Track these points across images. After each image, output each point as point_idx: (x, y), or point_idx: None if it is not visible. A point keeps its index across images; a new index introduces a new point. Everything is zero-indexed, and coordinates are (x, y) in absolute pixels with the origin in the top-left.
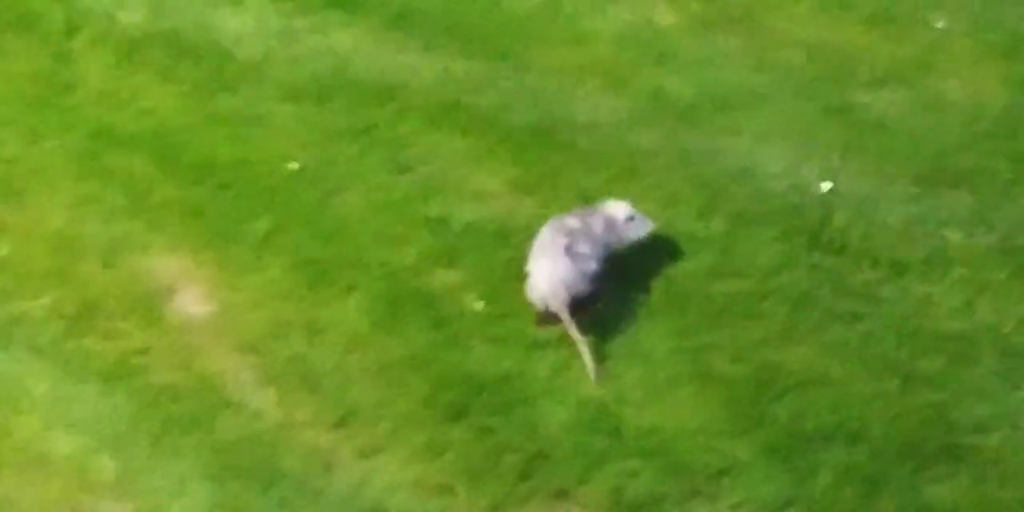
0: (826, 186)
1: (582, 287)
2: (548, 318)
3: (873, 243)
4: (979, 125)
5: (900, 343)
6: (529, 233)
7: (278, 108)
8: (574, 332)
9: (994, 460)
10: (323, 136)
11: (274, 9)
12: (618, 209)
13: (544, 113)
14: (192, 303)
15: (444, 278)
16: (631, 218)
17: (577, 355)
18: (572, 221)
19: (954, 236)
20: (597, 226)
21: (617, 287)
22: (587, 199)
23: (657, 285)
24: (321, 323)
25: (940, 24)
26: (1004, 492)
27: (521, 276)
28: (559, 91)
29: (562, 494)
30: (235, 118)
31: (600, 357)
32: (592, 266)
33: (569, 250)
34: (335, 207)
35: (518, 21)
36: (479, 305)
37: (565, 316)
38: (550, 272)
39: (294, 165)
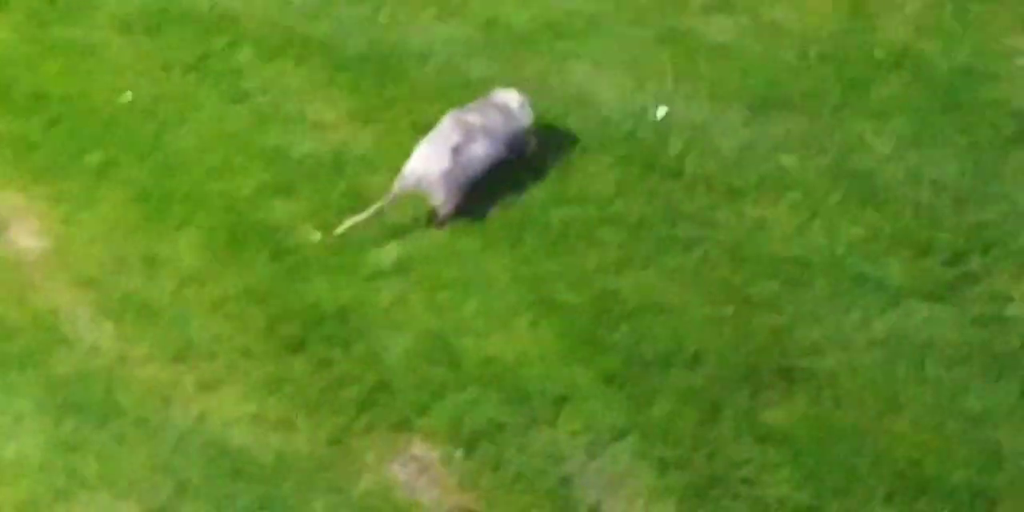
0: (661, 112)
1: (438, 188)
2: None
3: (708, 168)
4: (810, 50)
5: (735, 268)
6: (366, 163)
7: (111, 39)
8: (374, 206)
9: (828, 382)
10: (157, 68)
11: None
12: (509, 97)
13: (380, 43)
14: (25, 238)
15: (282, 209)
16: (522, 104)
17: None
18: (473, 117)
19: (787, 160)
20: (496, 118)
21: (454, 218)
22: (422, 127)
23: (494, 214)
24: (158, 257)
25: None
26: (838, 413)
27: (358, 206)
28: (394, 21)
29: (403, 425)
30: (68, 50)
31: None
32: (475, 169)
33: (457, 149)
34: (170, 139)
35: None
36: (316, 236)
37: (388, 197)
38: (419, 162)
39: (127, 97)
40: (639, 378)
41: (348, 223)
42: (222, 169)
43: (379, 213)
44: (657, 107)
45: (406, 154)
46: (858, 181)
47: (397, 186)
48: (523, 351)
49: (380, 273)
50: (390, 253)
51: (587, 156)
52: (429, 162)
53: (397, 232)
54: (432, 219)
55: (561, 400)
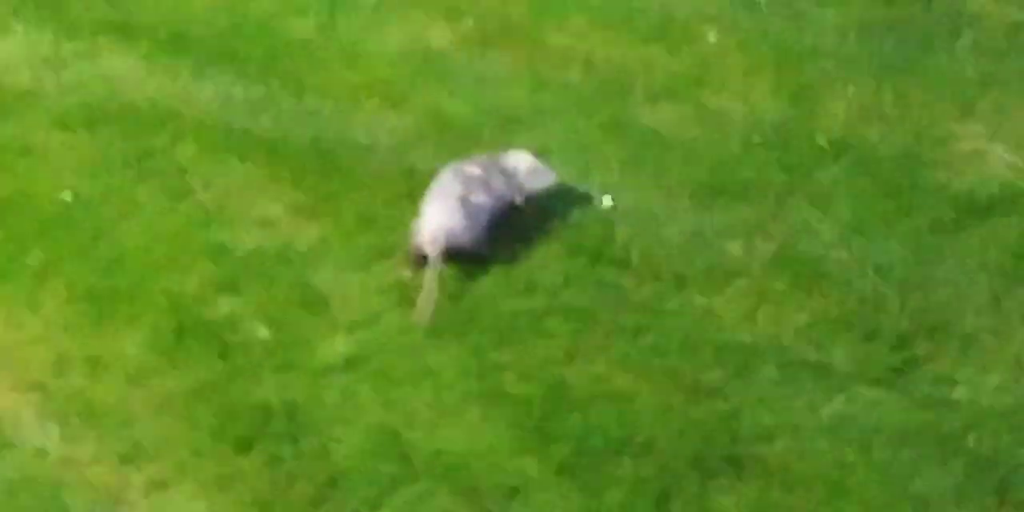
0: (608, 202)
1: (465, 238)
2: (419, 262)
3: (655, 257)
4: (753, 138)
5: (684, 356)
6: (312, 257)
7: (50, 137)
8: (431, 279)
9: (778, 468)
10: (97, 165)
11: (42, 35)
12: (519, 160)
13: (323, 136)
14: None
15: (228, 306)
16: (534, 169)
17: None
18: (473, 169)
19: (733, 248)
20: (496, 176)
21: (402, 310)
22: (368, 220)
23: (443, 304)
24: (103, 357)
25: (712, 38)
26: (788, 498)
27: (305, 301)
28: (338, 113)
29: None
30: (4, 149)
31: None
32: (483, 218)
33: (464, 199)
34: (113, 238)
35: (294, 44)
36: (264, 332)
37: (436, 263)
38: (436, 218)
39: (67, 196)
40: (590, 468)
41: (426, 307)
42: (166, 266)
43: (440, 281)
44: (604, 197)
45: (353, 247)
46: (804, 267)
47: (430, 252)
48: (474, 443)
49: (329, 368)
50: (339, 347)
51: (535, 247)
52: (443, 217)
53: (346, 326)
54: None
55: (513, 492)
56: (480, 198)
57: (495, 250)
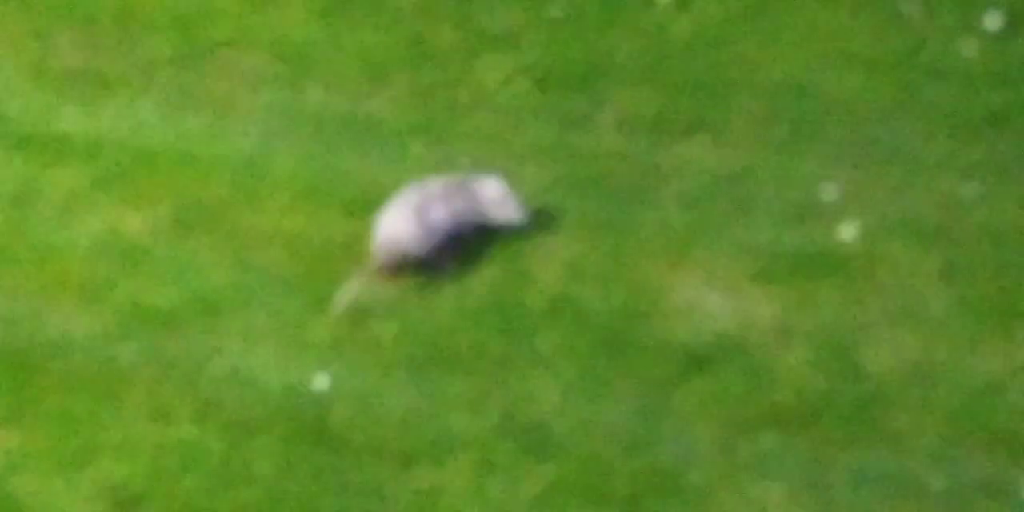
0: (323, 382)
1: (415, 246)
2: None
3: (376, 436)
4: (468, 305)
5: None
6: (11, 465)
7: None
8: (361, 279)
9: None
10: None
11: None
12: (488, 186)
13: (16, 337)
14: None
15: None
16: (502, 199)
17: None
18: (434, 187)
19: (457, 420)
20: (458, 197)
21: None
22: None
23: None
24: None
25: None
26: None
27: None
28: (30, 312)
29: None
30: None
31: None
32: (439, 231)
33: (419, 209)
34: None
35: None
36: None
37: (376, 264)
38: (388, 225)
39: None
40: None
41: (340, 304)
42: None
43: (366, 285)
44: (317, 378)
45: (62, 454)
46: (530, 435)
47: (376, 253)
48: None
49: None
50: None
51: (250, 437)
52: (398, 224)
53: None
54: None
55: None
56: (439, 214)
57: (451, 264)
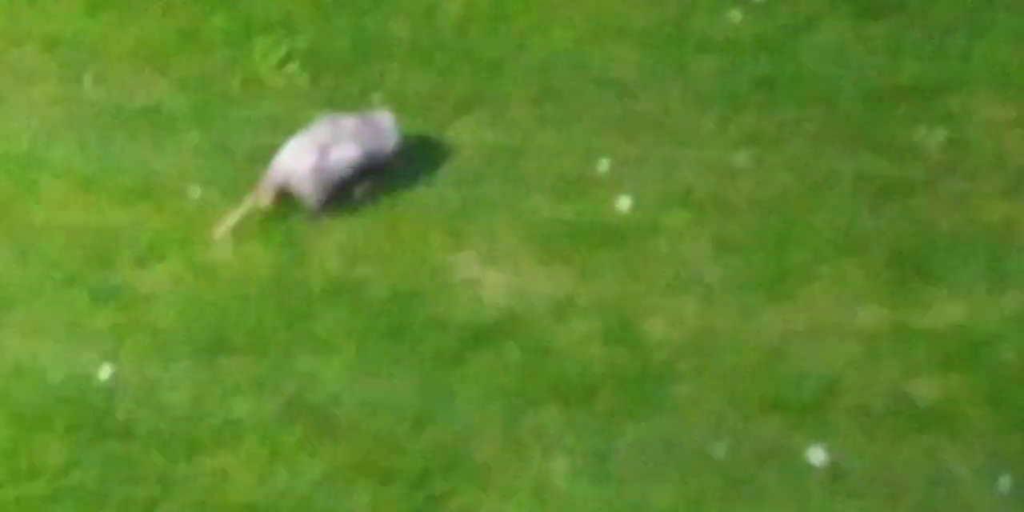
0: (106, 372)
1: (306, 185)
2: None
3: (161, 425)
4: (249, 290)
5: None
6: None
7: None
8: (249, 201)
9: None
10: None
11: None
12: (384, 118)
13: None
14: None
15: None
16: (392, 128)
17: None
18: (346, 123)
19: (241, 405)
20: (366, 133)
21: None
22: None
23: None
24: None
25: (197, 194)
26: None
27: None
28: None
29: None
30: None
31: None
32: (336, 173)
33: (324, 147)
34: None
35: None
36: None
37: (263, 191)
38: (289, 157)
39: None
40: None
41: (224, 225)
42: None
43: (252, 210)
44: (101, 368)
45: None
46: (315, 417)
47: (266, 180)
48: None
49: None
50: None
51: (35, 430)
52: (298, 157)
53: None
54: (306, 213)
55: None
56: (346, 152)
57: (328, 211)
